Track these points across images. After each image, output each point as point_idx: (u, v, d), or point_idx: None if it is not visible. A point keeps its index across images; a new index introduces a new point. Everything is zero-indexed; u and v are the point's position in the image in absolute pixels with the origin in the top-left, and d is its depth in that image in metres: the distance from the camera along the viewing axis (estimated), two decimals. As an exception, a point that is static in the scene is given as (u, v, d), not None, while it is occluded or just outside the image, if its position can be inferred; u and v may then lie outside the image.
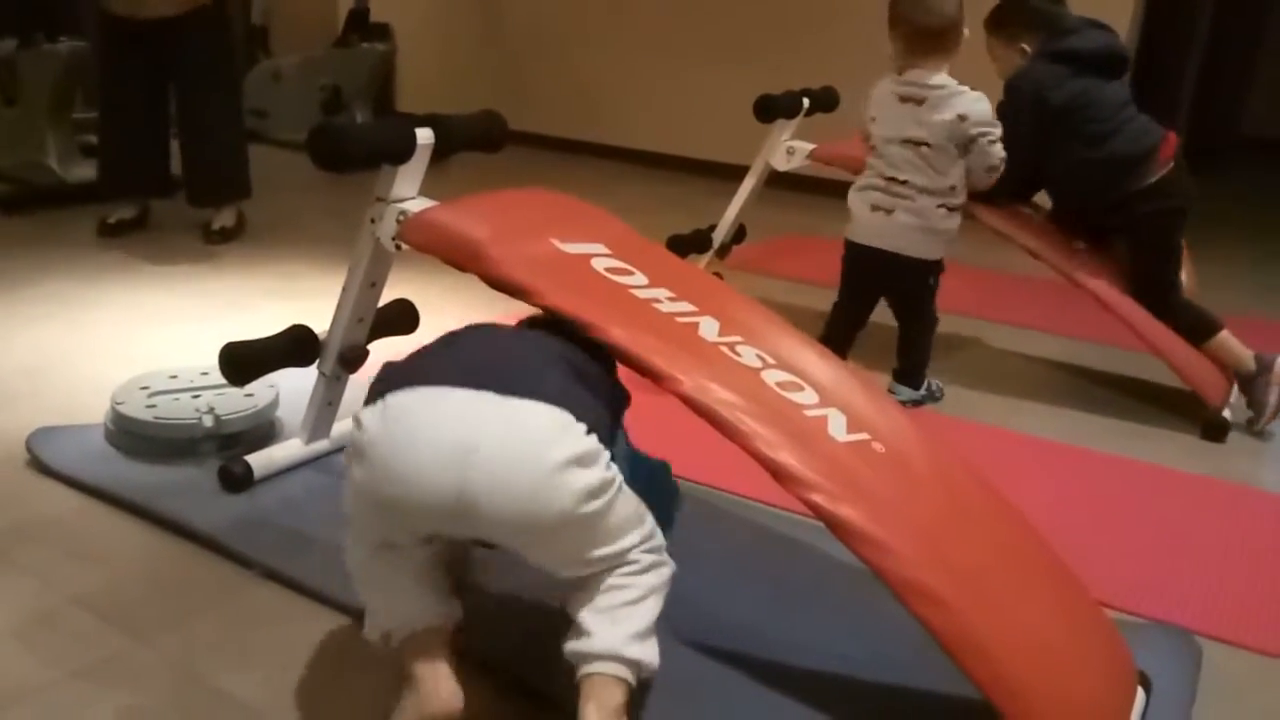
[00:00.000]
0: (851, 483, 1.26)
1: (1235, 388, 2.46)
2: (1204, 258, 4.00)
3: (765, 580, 1.59)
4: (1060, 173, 2.42)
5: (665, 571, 1.22)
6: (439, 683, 1.15)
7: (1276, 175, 6.32)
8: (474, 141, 1.74)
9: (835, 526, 1.21)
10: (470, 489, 1.09)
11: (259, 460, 1.80)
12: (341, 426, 1.94)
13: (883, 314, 2.44)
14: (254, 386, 1.92)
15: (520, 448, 1.11)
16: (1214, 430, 2.31)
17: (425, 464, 1.11)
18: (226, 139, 3.45)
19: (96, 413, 1.98)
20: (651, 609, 1.19)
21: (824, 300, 3.13)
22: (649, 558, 1.20)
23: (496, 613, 1.46)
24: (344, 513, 1.24)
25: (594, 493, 1.12)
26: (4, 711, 1.24)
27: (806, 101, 2.72)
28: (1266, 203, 5.53)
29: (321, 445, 1.90)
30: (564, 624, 1.19)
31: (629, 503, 1.19)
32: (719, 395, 1.30)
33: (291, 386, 1.96)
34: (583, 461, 1.12)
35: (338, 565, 1.55)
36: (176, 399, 1.94)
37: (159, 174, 3.47)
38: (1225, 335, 2.41)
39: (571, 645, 1.17)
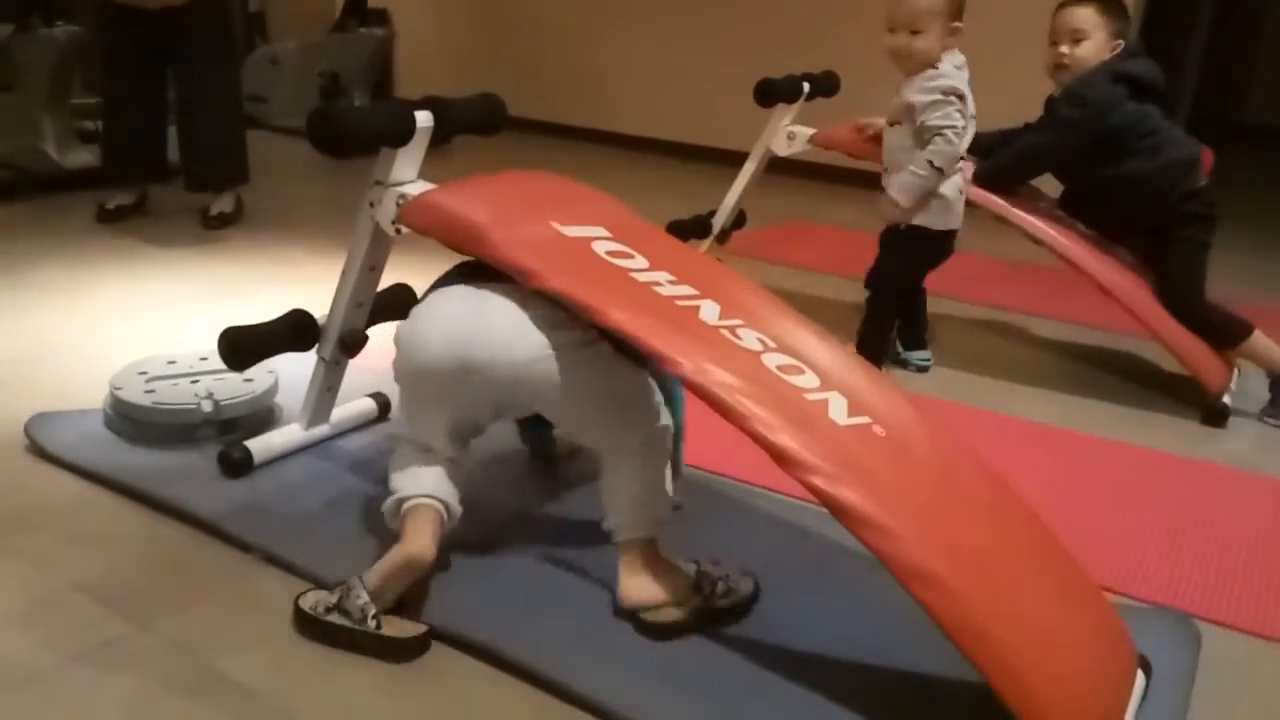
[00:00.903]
0: (852, 466, 1.25)
1: (1237, 374, 2.45)
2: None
3: (769, 565, 1.59)
4: (1116, 186, 2.39)
5: (665, 441, 1.48)
6: (421, 534, 1.42)
7: (1278, 163, 6.30)
8: (473, 124, 1.73)
9: (836, 509, 1.21)
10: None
11: (258, 445, 1.80)
12: (341, 411, 1.94)
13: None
14: (253, 372, 1.91)
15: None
16: (1215, 416, 2.31)
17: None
18: (225, 124, 3.44)
19: (95, 398, 1.98)
20: (656, 475, 1.46)
21: (825, 286, 3.14)
22: (643, 447, 1.44)
23: (480, 598, 1.47)
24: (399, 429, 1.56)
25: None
26: (6, 697, 1.24)
27: (807, 86, 2.71)
28: (1268, 189, 5.52)
29: (321, 430, 1.90)
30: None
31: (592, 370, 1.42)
32: (719, 378, 1.30)
33: (291, 371, 1.96)
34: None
35: (338, 549, 1.56)
36: (175, 384, 1.94)
37: (158, 159, 3.46)
38: (1258, 336, 2.39)
39: (605, 525, 1.47)
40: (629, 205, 1.65)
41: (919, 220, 2.29)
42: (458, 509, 1.49)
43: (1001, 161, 2.50)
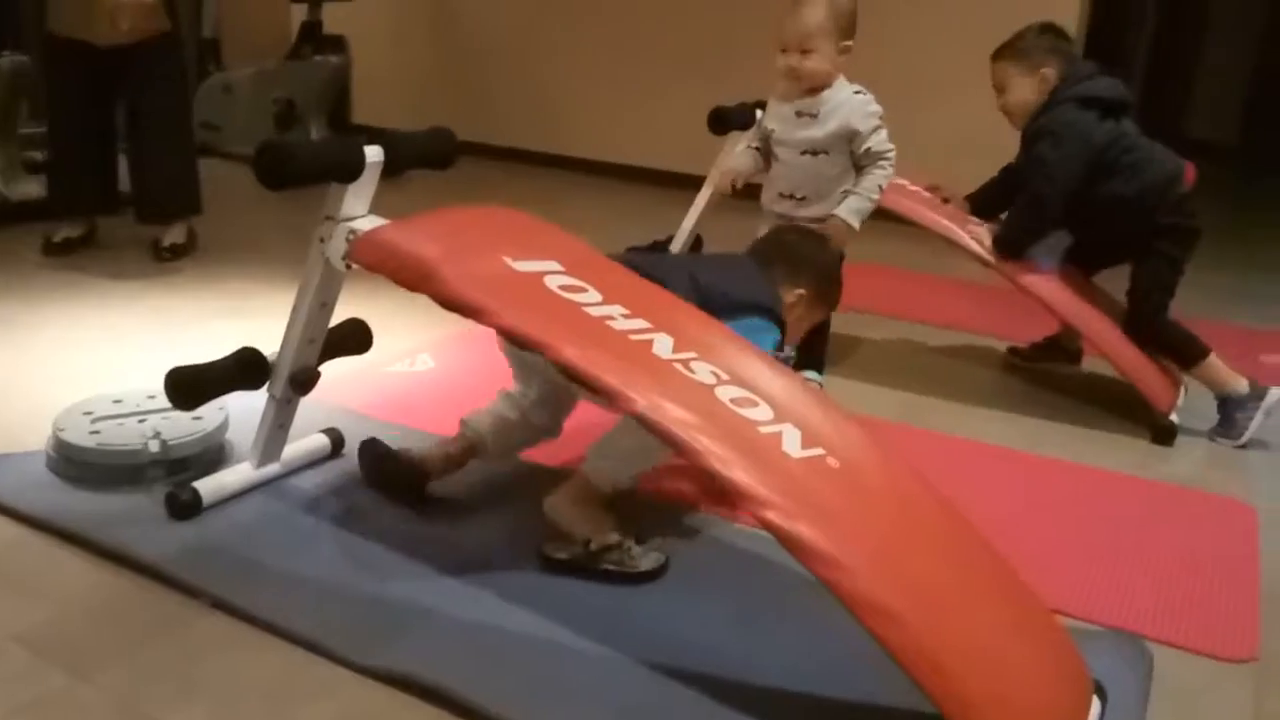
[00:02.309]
0: (806, 499, 1.25)
1: (1183, 392, 2.49)
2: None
3: (727, 597, 1.59)
4: (1101, 208, 2.42)
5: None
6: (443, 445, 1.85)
7: (1219, 177, 6.45)
8: (424, 159, 1.73)
9: (790, 544, 1.21)
10: None
11: (207, 486, 1.76)
12: (293, 449, 1.91)
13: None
14: (203, 409, 1.87)
15: None
16: (1163, 434, 2.35)
17: None
18: (176, 155, 3.39)
19: (41, 439, 1.93)
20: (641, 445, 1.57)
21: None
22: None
23: (446, 642, 1.45)
24: None
25: None
26: (-60, 754, 1.20)
27: (760, 113, 2.73)
28: (1210, 206, 5.64)
29: (273, 469, 1.87)
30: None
31: None
32: (673, 414, 1.30)
33: (242, 406, 1.93)
34: None
35: (288, 593, 1.53)
36: (121, 424, 1.90)
37: (107, 190, 3.41)
38: (1214, 359, 2.42)
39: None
40: (585, 231, 1.65)
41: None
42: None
43: (1016, 227, 2.49)
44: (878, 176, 2.27)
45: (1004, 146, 2.64)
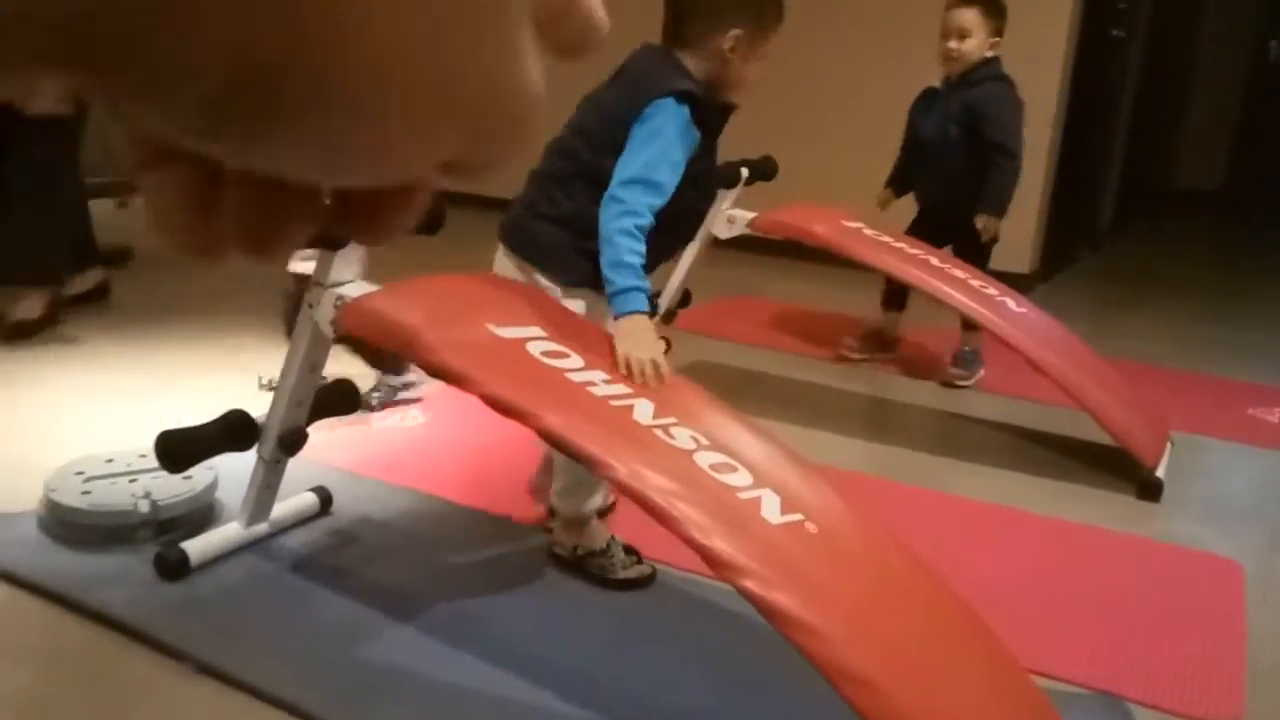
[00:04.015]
0: (784, 567, 1.27)
1: (1170, 447, 2.52)
2: (1139, 313, 4.12)
3: (708, 660, 1.59)
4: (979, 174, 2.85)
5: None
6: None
7: (1208, 227, 6.52)
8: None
9: (768, 613, 1.23)
10: None
11: (195, 546, 1.77)
12: (282, 508, 1.93)
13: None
14: (193, 469, 1.90)
15: None
16: (1149, 490, 2.36)
17: None
18: (40, 213, 2.99)
19: (33, 498, 1.95)
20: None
21: (767, 362, 3.19)
22: None
23: (430, 707, 1.45)
24: None
25: None
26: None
27: (745, 171, 2.78)
28: (1198, 256, 5.70)
29: (261, 529, 1.88)
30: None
31: None
32: (653, 481, 1.31)
33: (232, 466, 1.95)
34: None
35: (273, 656, 1.54)
36: (113, 484, 1.92)
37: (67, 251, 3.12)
38: None
39: None
40: None
41: None
42: None
43: (1007, 188, 2.87)
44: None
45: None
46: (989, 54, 2.81)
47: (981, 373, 3.04)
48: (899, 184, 3.09)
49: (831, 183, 4.05)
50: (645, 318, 1.64)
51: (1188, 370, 3.36)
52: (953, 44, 2.80)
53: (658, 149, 1.65)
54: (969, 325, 2.87)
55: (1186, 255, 5.67)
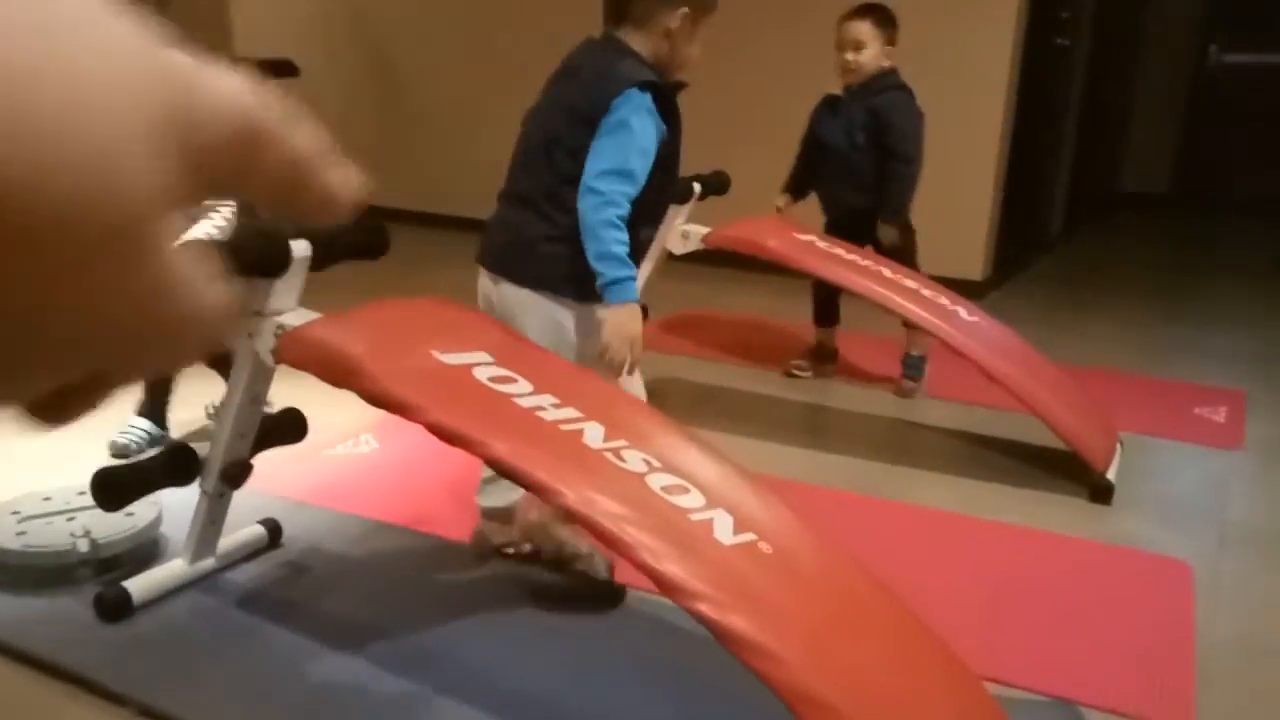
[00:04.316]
0: (739, 590, 1.25)
1: (1120, 450, 2.54)
2: (1089, 316, 4.17)
3: (669, 682, 1.57)
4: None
5: None
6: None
7: (1155, 229, 6.63)
8: (354, 251, 1.73)
9: (723, 637, 1.21)
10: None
11: (138, 585, 1.73)
12: (229, 541, 1.88)
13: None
14: (135, 504, 1.85)
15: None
16: (1100, 493, 2.38)
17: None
18: None
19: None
20: None
21: (722, 376, 3.18)
22: None
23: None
24: None
25: None
26: None
27: (698, 187, 2.77)
28: (1146, 258, 5.80)
29: (207, 564, 1.84)
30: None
31: None
32: (604, 507, 1.29)
33: (176, 501, 1.90)
34: None
35: (219, 696, 1.50)
36: (50, 523, 1.86)
37: None
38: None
39: None
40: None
41: None
42: None
43: (905, 194, 2.90)
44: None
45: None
46: (886, 64, 2.87)
47: (926, 369, 3.10)
48: (797, 188, 3.09)
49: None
50: (637, 306, 1.72)
51: (1136, 372, 3.40)
52: (849, 56, 2.85)
53: (627, 138, 1.68)
54: (912, 324, 2.89)
55: (1134, 258, 5.76)
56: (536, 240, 1.75)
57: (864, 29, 2.84)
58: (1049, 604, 1.89)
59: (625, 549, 1.26)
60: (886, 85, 2.87)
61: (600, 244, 1.67)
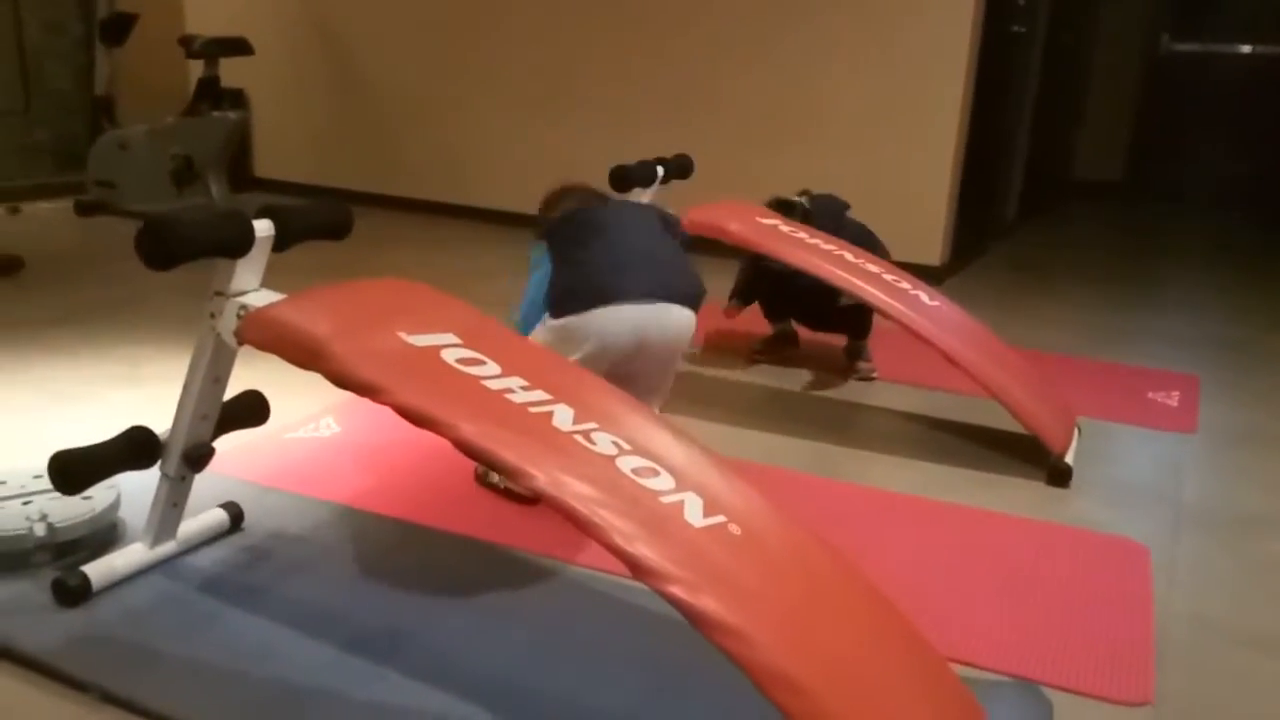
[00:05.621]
0: (709, 571, 1.26)
1: (1078, 434, 2.58)
2: (1045, 301, 4.23)
3: (642, 665, 1.58)
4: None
5: None
6: None
7: (1109, 216, 6.75)
8: (317, 231, 1.70)
9: (694, 618, 1.21)
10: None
11: (97, 570, 1.70)
12: (190, 525, 1.85)
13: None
14: (93, 488, 1.81)
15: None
16: (1059, 476, 2.42)
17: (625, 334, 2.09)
18: None
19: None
20: None
21: (687, 361, 3.20)
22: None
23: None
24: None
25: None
26: None
27: (661, 170, 2.77)
28: (1100, 244, 5.89)
29: (168, 548, 1.81)
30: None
31: None
32: (574, 489, 1.29)
33: (136, 485, 1.87)
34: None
35: (182, 681, 1.48)
36: (4, 507, 1.82)
37: None
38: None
39: None
40: (496, 283, 1.64)
41: None
42: None
43: None
44: None
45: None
46: None
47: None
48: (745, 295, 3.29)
49: (750, 180, 4.08)
50: None
51: (1092, 357, 3.46)
52: None
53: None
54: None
55: (1089, 244, 5.85)
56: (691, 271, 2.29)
57: None
58: (1009, 586, 1.92)
59: (596, 531, 1.26)
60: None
61: None
